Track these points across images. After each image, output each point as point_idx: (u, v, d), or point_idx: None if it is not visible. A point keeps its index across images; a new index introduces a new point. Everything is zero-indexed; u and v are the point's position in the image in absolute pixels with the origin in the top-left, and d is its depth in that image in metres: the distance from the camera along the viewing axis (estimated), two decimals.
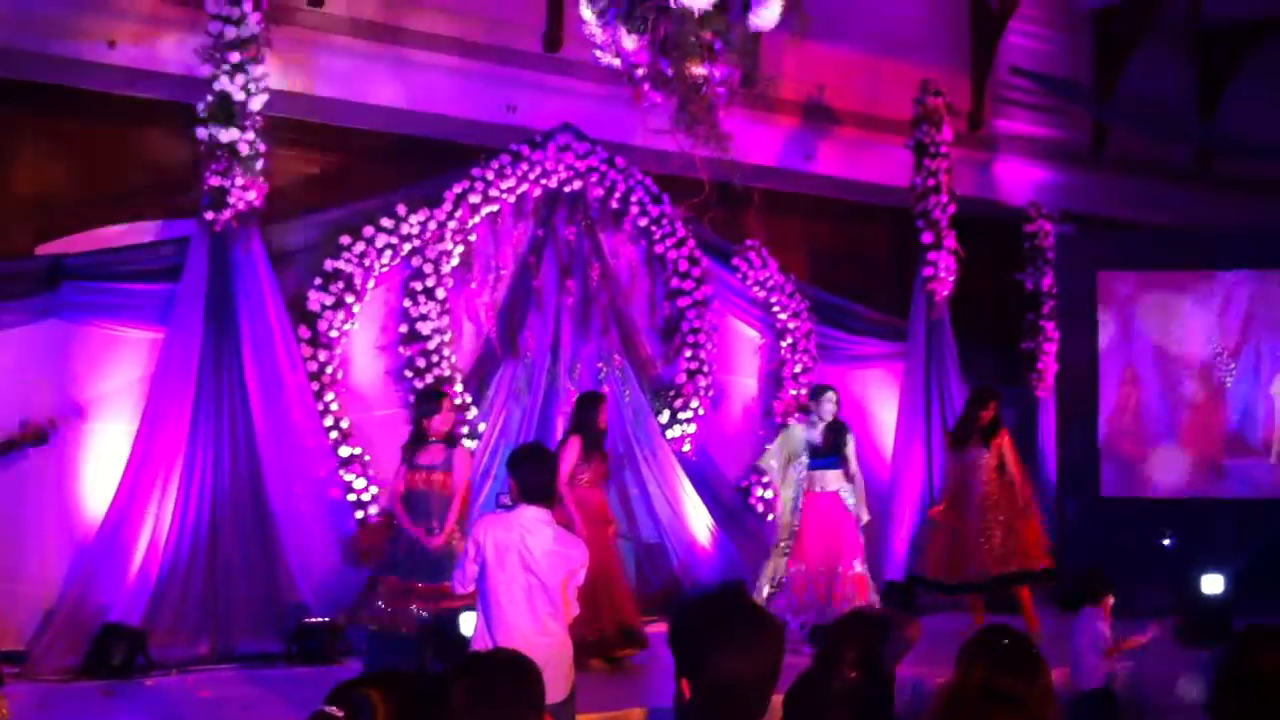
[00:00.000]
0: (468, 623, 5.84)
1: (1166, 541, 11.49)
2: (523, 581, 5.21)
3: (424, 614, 7.51)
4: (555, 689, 4.70)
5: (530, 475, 5.38)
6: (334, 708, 2.49)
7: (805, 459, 9.51)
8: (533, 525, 5.28)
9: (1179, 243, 12.91)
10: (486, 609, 5.28)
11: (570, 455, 8.58)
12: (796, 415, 10.04)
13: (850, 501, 9.50)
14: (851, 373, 12.53)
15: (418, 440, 7.96)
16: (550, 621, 5.25)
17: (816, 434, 9.52)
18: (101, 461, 8.80)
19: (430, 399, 8.13)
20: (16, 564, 8.01)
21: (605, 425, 9.13)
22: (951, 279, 12.14)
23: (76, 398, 8.83)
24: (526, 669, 2.77)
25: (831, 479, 9.48)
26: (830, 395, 9.61)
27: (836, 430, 9.52)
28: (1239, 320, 12.26)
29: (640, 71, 7.39)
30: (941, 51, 13.14)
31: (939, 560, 10.12)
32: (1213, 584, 10.04)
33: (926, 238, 12.04)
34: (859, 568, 9.39)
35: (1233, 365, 12.27)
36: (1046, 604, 10.22)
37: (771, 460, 9.72)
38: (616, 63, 7.60)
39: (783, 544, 9.57)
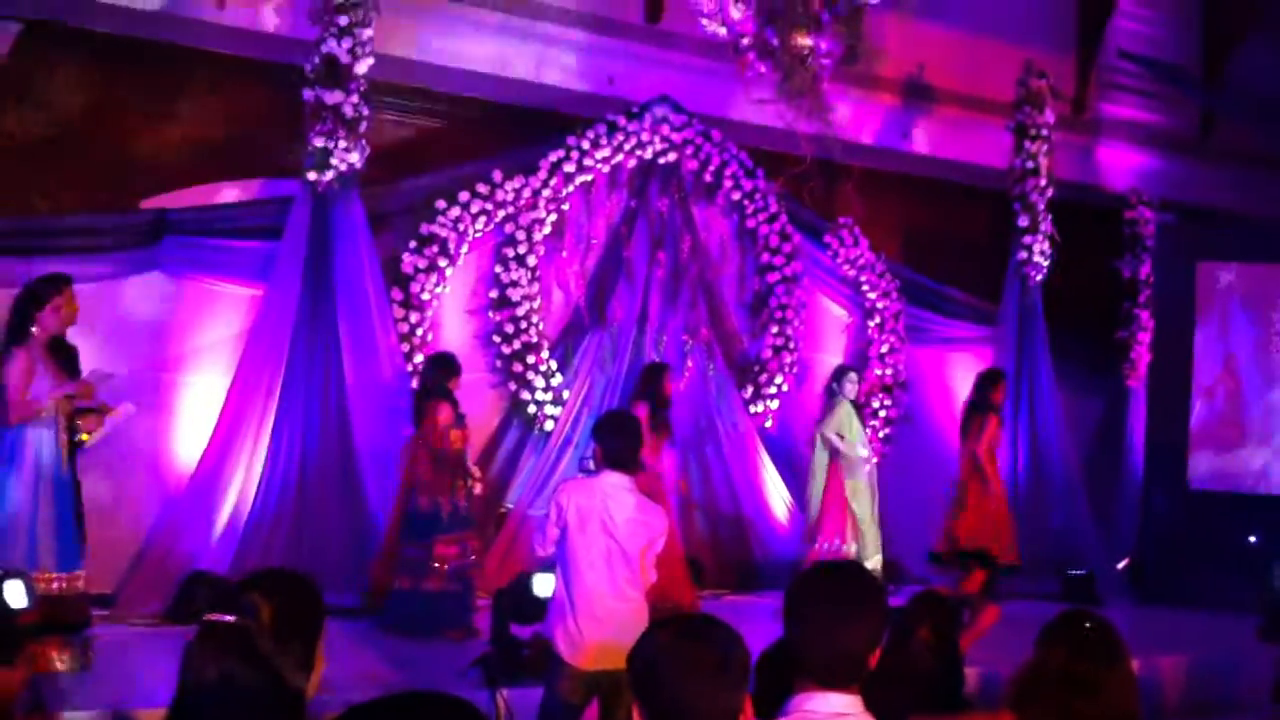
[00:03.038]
0: (543, 584, 5.93)
1: (1253, 539, 11.29)
2: (603, 547, 5.25)
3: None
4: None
5: (615, 442, 5.41)
6: (220, 614, 2.53)
7: (857, 439, 10.01)
8: (615, 492, 5.31)
9: None
10: (566, 573, 5.33)
11: None
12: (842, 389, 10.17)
13: None
14: (940, 355, 12.44)
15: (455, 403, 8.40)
16: (628, 588, 5.28)
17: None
18: (196, 413, 9.01)
19: (455, 364, 8.58)
20: (109, 509, 8.19)
21: (670, 395, 9.34)
22: (1047, 264, 11.98)
23: (176, 350, 9.06)
24: (731, 643, 2.48)
25: None
26: (853, 376, 10.16)
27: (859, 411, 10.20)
28: None
29: (746, 41, 7.41)
30: (1046, 32, 12.94)
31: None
32: None
33: (1023, 221, 11.89)
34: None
35: None
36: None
37: (843, 432, 9.91)
38: (722, 31, 7.61)
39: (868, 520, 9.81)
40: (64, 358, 6.97)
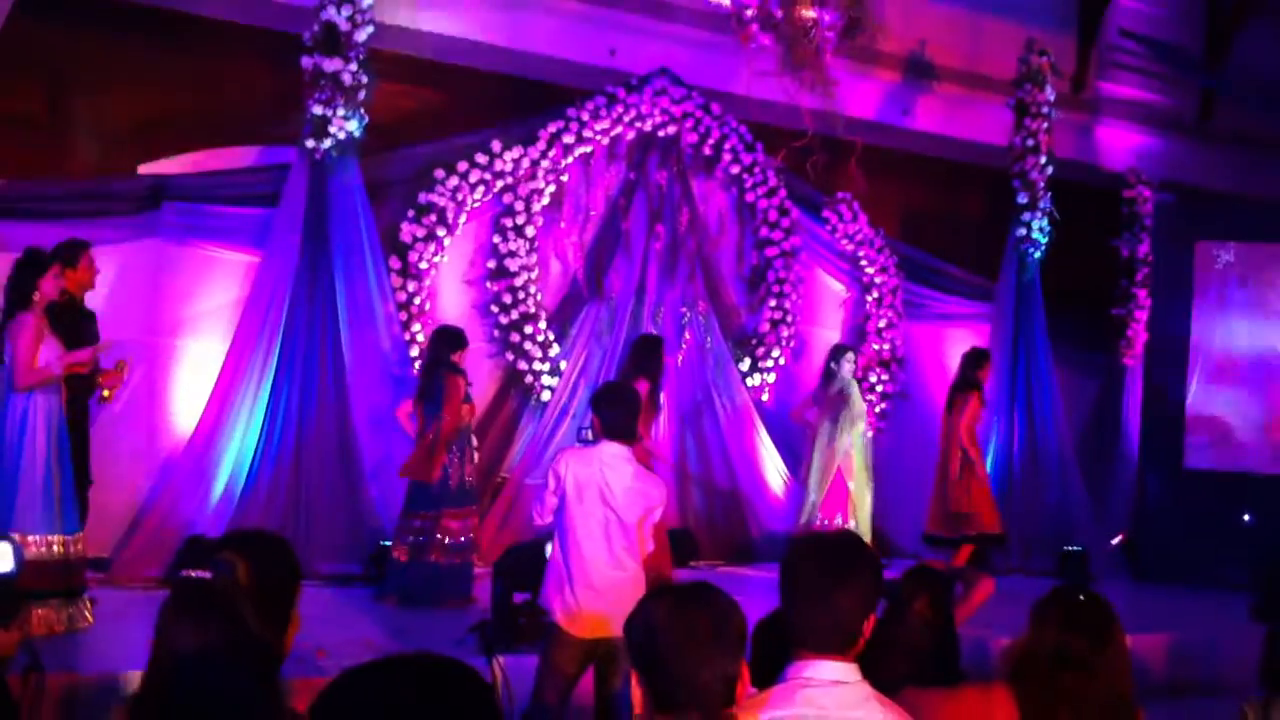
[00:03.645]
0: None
1: (1246, 518, 11.34)
2: (600, 516, 5.27)
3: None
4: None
5: (613, 413, 5.43)
6: (198, 571, 2.57)
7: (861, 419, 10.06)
8: (613, 461, 5.33)
9: None
10: (564, 542, 5.35)
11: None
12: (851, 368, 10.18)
13: None
14: (937, 331, 12.45)
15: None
16: (625, 557, 5.32)
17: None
18: (193, 379, 9.02)
19: (463, 338, 8.57)
20: (105, 474, 8.19)
21: (664, 368, 9.35)
22: (1045, 242, 11.97)
23: (173, 316, 9.07)
24: (728, 609, 2.53)
25: None
26: (851, 355, 10.21)
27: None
28: None
29: (749, 12, 7.39)
30: (1047, 10, 12.90)
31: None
32: None
33: (1022, 198, 11.88)
34: None
35: None
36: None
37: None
38: (726, 3, 7.59)
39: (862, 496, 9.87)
40: (73, 322, 7.05)
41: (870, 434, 10.56)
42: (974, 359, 10.36)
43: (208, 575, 2.57)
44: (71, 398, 7.09)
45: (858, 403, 10.02)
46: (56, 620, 6.61)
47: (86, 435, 7.57)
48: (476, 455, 8.71)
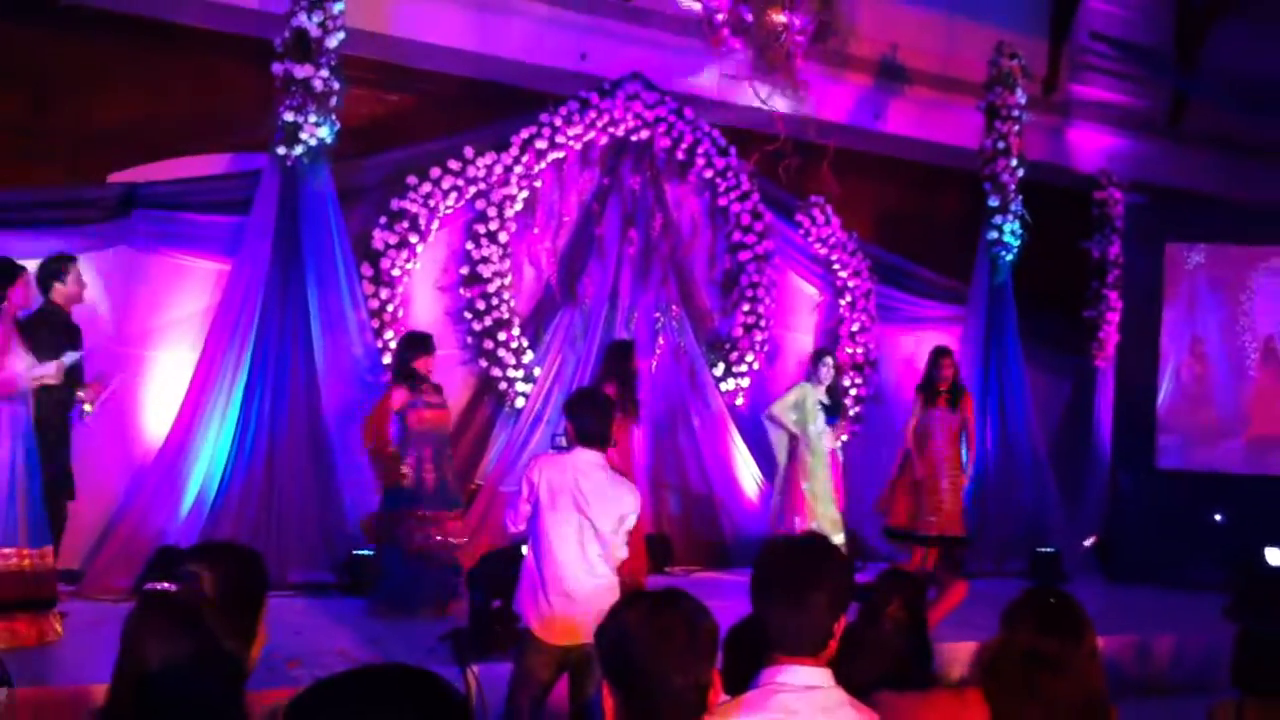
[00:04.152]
0: None
1: (1218, 518, 11.41)
2: (574, 523, 5.26)
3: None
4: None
5: (587, 419, 5.42)
6: (164, 583, 2.55)
7: (823, 419, 9.98)
8: (587, 468, 5.32)
9: (1251, 217, 12.68)
10: (537, 548, 5.34)
11: None
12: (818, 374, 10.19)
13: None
14: (909, 334, 12.47)
15: (419, 381, 8.35)
16: (599, 563, 5.30)
17: (824, 396, 10.05)
18: (163, 388, 8.96)
19: (426, 343, 8.51)
20: (78, 485, 8.14)
21: (636, 371, 9.41)
22: (1017, 244, 12.02)
23: (143, 325, 9.01)
24: (699, 615, 2.58)
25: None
26: (828, 360, 10.15)
27: (835, 392, 10.33)
28: None
29: (720, 17, 7.40)
30: (1019, 13, 12.95)
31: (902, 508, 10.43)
32: (1276, 556, 9.99)
33: (993, 201, 11.92)
34: None
35: None
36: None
37: (790, 414, 9.91)
38: (697, 7, 7.59)
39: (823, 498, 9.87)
40: (60, 335, 7.04)
41: (827, 434, 10.52)
42: (930, 358, 10.52)
43: (173, 587, 2.54)
44: (58, 410, 7.08)
45: (788, 402, 10.02)
46: (25, 634, 6.55)
47: (69, 448, 7.52)
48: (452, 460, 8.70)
